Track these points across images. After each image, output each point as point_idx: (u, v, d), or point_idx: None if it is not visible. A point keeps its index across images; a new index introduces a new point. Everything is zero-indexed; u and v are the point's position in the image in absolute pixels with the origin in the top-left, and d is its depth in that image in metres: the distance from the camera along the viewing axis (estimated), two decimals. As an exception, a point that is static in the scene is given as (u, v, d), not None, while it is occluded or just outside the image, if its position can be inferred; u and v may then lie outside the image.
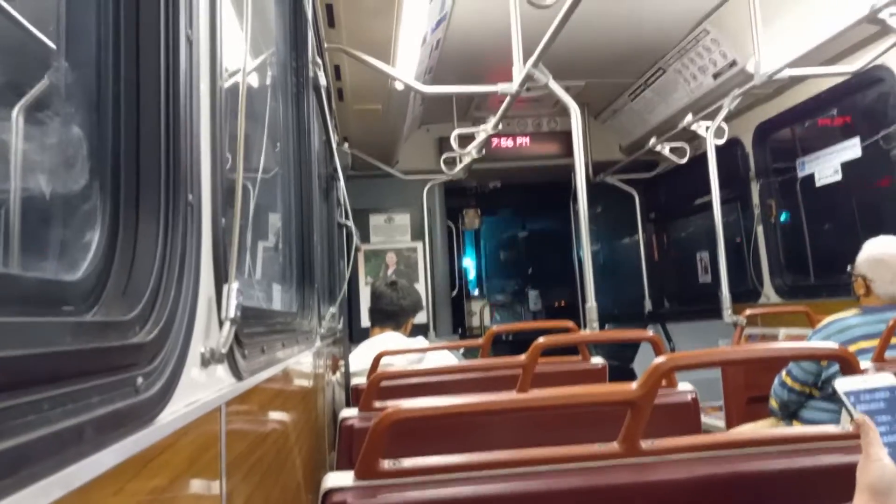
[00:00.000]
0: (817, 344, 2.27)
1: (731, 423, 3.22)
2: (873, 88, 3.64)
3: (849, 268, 2.73)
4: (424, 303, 5.47)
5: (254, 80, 1.63)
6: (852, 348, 2.40)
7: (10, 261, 0.63)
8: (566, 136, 5.51)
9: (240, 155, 0.86)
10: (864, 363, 2.15)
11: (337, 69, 3.38)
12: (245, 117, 0.89)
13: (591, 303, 2.67)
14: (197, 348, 0.72)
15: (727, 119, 3.80)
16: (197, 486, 0.70)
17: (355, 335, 4.60)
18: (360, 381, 2.58)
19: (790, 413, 2.68)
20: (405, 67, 3.41)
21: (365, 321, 4.62)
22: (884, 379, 1.03)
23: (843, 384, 1.02)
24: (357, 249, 2.91)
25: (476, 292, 10.11)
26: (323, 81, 2.35)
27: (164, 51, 0.68)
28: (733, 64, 4.00)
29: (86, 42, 0.66)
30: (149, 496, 0.56)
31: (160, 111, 0.67)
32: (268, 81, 1.85)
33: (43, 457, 0.39)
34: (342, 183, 3.06)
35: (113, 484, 0.48)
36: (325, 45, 2.88)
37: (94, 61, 0.65)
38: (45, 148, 0.65)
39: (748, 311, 3.68)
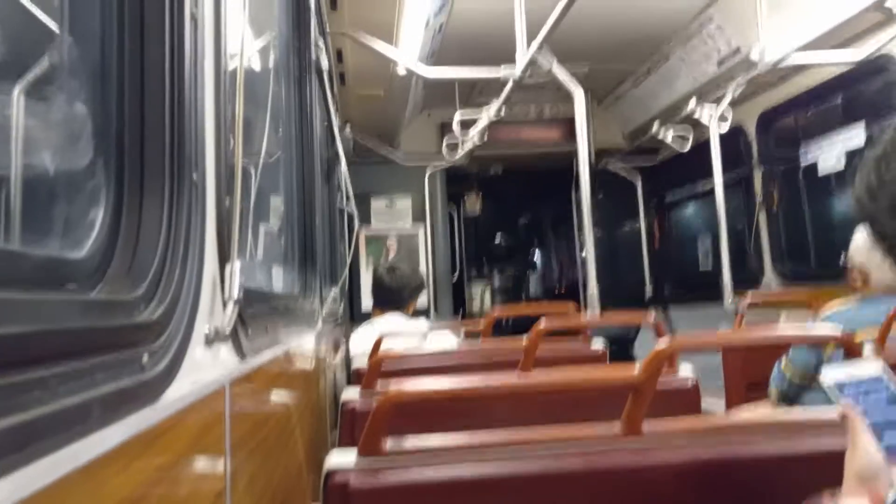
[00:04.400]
0: (819, 328, 2.27)
1: (730, 408, 3.22)
2: (878, 77, 3.61)
3: (842, 259, 2.69)
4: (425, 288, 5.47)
5: (256, 62, 1.62)
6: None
7: (14, 237, 0.62)
8: (569, 123, 5.48)
9: (238, 132, 0.86)
10: (866, 353, 2.14)
11: (339, 53, 3.37)
12: (245, 97, 0.89)
13: (593, 289, 2.68)
14: (201, 328, 0.72)
15: (730, 106, 3.78)
16: (202, 465, 0.70)
17: (356, 318, 4.61)
18: (361, 363, 2.59)
19: (789, 402, 2.68)
20: (408, 51, 3.39)
21: (366, 304, 4.63)
22: (869, 367, 1.03)
23: (827, 374, 1.03)
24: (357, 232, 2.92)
25: (477, 277, 10.11)
26: (325, 65, 2.34)
27: (169, 29, 0.67)
28: (737, 51, 3.97)
29: (90, 19, 0.66)
30: (154, 474, 0.56)
31: (165, 90, 0.67)
32: (270, 63, 1.84)
33: (51, 432, 0.39)
34: (344, 167, 3.06)
35: (119, 461, 0.48)
36: (328, 28, 2.86)
37: (99, 39, 0.64)
38: (50, 126, 0.65)
39: (749, 298, 3.68)
